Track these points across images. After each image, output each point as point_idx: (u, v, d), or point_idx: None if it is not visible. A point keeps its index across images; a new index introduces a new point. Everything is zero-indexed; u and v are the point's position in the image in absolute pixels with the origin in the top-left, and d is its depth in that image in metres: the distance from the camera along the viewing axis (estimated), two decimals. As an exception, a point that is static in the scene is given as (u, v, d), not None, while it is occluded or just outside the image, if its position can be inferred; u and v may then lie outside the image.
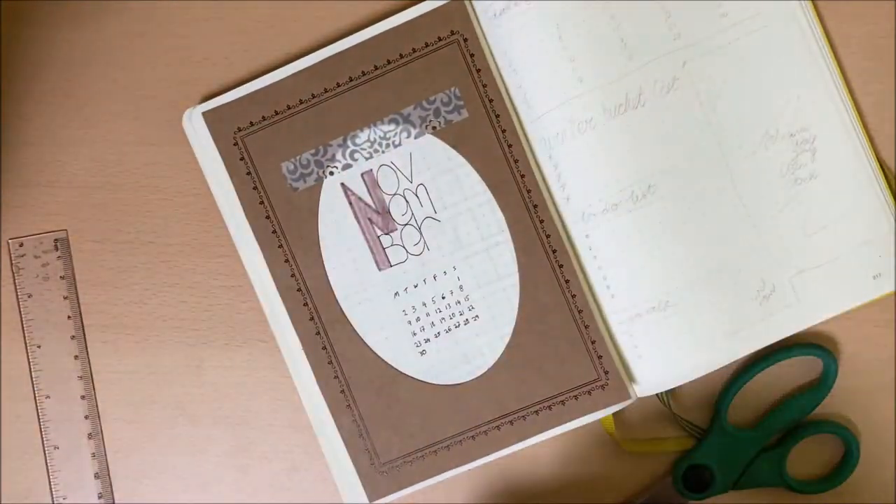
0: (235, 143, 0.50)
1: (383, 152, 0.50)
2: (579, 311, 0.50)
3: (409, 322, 0.50)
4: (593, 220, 0.50)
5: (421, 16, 0.49)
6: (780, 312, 0.49)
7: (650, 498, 0.52)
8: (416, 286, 0.50)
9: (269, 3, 0.52)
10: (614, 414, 0.51)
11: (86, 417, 0.52)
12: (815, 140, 0.49)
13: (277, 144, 0.50)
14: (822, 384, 0.51)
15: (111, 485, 0.53)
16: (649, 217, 0.49)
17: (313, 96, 0.50)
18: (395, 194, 0.50)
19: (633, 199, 0.49)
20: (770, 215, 0.49)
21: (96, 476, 0.52)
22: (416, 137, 0.50)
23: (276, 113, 0.50)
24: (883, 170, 0.49)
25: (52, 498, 0.52)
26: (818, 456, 0.52)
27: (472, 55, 0.49)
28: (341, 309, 0.50)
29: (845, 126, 0.49)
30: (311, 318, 0.50)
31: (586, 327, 0.50)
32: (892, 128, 0.50)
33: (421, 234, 0.50)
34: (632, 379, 0.50)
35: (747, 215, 0.49)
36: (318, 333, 0.50)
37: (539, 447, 0.51)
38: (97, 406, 0.53)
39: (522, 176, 0.50)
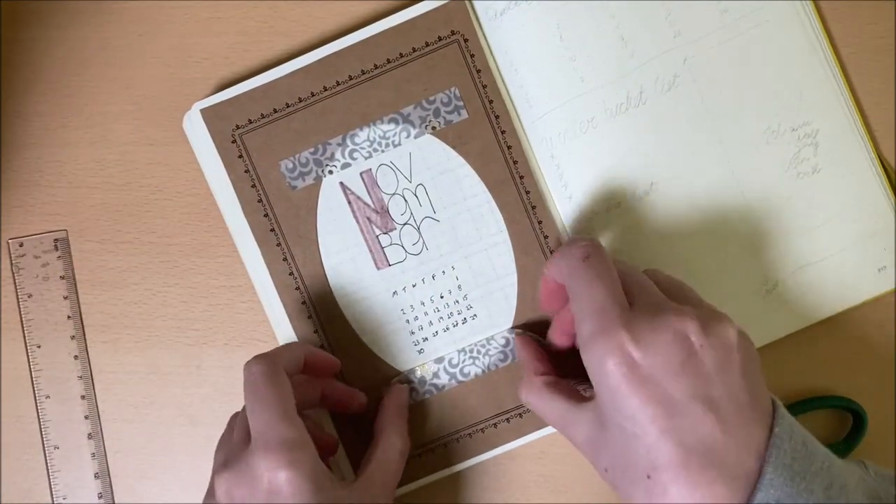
0: (234, 141, 0.50)
1: (383, 152, 0.50)
2: (580, 311, 0.50)
3: (408, 321, 0.50)
4: (596, 220, 0.49)
5: (421, 15, 0.49)
6: (782, 308, 0.48)
7: None
8: (414, 285, 0.50)
9: (269, 3, 0.52)
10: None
11: (86, 417, 0.52)
12: (817, 134, 0.49)
13: (276, 143, 0.50)
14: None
15: (111, 485, 0.53)
16: (652, 215, 0.49)
17: (312, 95, 0.50)
18: (394, 194, 0.50)
19: (635, 197, 0.49)
20: (772, 210, 0.49)
21: (96, 476, 0.52)
22: (415, 137, 0.50)
23: (276, 111, 0.50)
24: (883, 164, 0.49)
25: (52, 498, 0.52)
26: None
27: (472, 55, 0.49)
28: (339, 307, 0.50)
29: (847, 121, 0.49)
30: (310, 317, 0.50)
31: (587, 327, 0.50)
32: (892, 123, 0.49)
33: (420, 233, 0.50)
34: (632, 379, 0.50)
35: (750, 211, 0.49)
36: (316, 332, 0.50)
37: (538, 445, 0.51)
38: (97, 406, 0.53)
39: (522, 177, 0.50)
